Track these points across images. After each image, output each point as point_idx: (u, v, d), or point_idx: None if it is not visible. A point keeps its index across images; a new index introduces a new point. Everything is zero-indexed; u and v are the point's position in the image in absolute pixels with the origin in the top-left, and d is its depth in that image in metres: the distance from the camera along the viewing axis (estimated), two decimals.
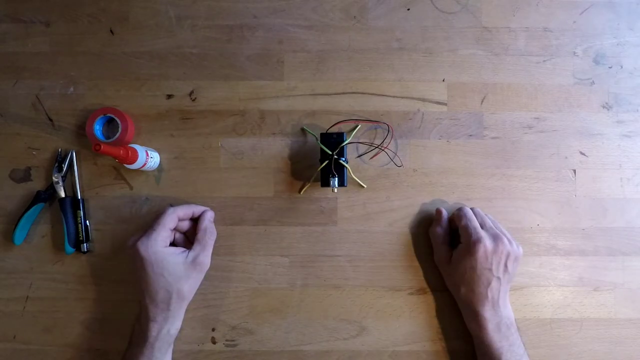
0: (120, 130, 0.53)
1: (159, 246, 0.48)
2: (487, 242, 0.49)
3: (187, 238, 0.53)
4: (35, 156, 0.55)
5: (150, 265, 0.47)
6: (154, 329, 0.48)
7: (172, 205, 0.54)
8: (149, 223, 0.50)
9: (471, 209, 0.53)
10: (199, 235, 0.51)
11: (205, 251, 0.50)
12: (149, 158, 0.52)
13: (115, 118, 0.53)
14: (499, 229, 0.52)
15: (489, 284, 0.49)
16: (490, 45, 0.57)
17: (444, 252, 0.53)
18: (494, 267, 0.49)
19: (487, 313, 0.49)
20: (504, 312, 0.50)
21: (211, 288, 0.55)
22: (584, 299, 0.55)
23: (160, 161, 0.55)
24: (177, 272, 0.48)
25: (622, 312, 0.55)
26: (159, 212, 0.51)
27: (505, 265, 0.49)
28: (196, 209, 0.53)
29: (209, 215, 0.53)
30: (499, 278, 0.49)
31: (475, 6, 0.57)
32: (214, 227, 0.53)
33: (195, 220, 0.53)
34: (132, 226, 0.55)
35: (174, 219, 0.50)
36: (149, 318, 0.48)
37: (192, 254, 0.50)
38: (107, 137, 0.54)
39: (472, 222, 0.51)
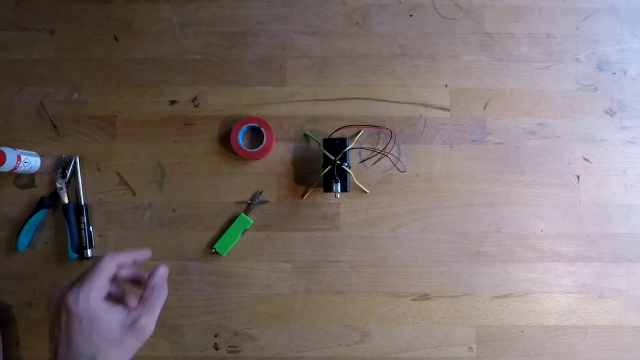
0: (265, 140, 0.53)
1: (92, 300, 0.38)
2: None
3: (124, 293, 0.43)
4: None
5: (79, 322, 0.38)
6: None
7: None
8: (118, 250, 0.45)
9: None
10: (146, 293, 0.41)
11: (149, 315, 0.40)
12: (21, 162, 0.51)
13: (261, 128, 0.53)
14: None
15: None
16: (493, 51, 0.57)
17: None
18: None
19: None
20: None
21: (213, 294, 0.55)
22: (588, 306, 0.55)
23: (40, 164, 0.54)
24: (109, 335, 0.38)
25: (627, 319, 0.54)
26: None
27: None
28: (139, 256, 0.43)
29: (162, 272, 0.43)
30: None
31: (477, 12, 0.57)
32: (166, 286, 0.43)
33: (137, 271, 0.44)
34: (135, 232, 0.55)
35: (112, 266, 0.41)
36: None
37: (132, 315, 0.40)
38: (250, 147, 0.54)
39: None
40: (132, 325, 0.39)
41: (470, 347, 0.54)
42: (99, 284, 0.39)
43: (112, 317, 0.39)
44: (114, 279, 0.42)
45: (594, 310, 0.55)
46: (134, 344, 0.40)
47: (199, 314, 0.54)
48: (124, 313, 0.40)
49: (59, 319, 0.39)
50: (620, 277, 0.55)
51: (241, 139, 0.54)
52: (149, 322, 0.40)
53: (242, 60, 0.57)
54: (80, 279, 0.39)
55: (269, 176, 0.56)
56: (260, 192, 0.55)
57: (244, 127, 0.53)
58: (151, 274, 0.42)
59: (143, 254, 0.44)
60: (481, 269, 0.55)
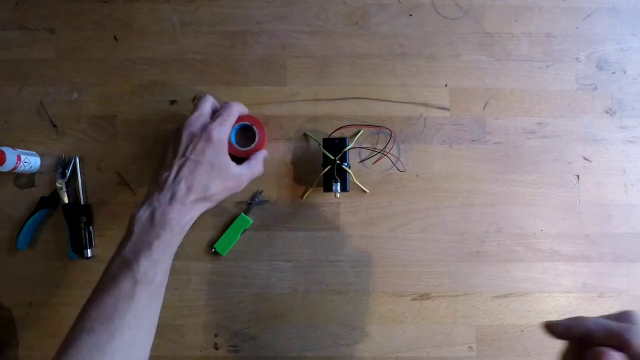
0: (257, 138, 0.53)
1: (226, 137, 0.48)
2: None
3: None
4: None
5: (213, 148, 0.46)
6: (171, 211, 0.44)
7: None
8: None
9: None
10: (252, 161, 0.51)
11: (249, 176, 0.50)
12: (20, 162, 0.51)
13: (252, 126, 0.53)
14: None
15: None
16: (493, 51, 0.57)
17: None
18: None
19: None
20: None
21: (213, 294, 0.55)
22: (588, 306, 0.55)
23: (40, 164, 0.55)
24: (225, 164, 0.47)
25: None
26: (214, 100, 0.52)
27: None
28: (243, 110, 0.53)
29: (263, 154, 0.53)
30: None
31: (477, 12, 0.57)
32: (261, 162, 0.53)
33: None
34: None
35: (238, 113, 0.51)
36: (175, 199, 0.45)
37: (240, 167, 0.49)
38: (242, 145, 0.53)
39: None
40: (236, 177, 0.49)
41: (470, 347, 0.54)
42: (231, 125, 0.49)
43: (228, 158, 0.48)
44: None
45: (594, 309, 0.55)
46: (231, 188, 0.49)
47: (199, 314, 0.54)
48: (233, 162, 0.49)
49: (192, 142, 0.46)
50: (620, 277, 0.55)
51: (234, 137, 0.53)
52: (245, 182, 0.50)
53: (242, 59, 0.57)
54: (217, 117, 0.48)
55: (268, 176, 0.56)
56: (260, 192, 0.55)
57: (236, 126, 0.52)
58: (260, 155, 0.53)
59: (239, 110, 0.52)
60: (481, 268, 0.55)
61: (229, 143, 0.50)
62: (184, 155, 0.46)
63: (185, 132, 0.47)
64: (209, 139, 0.46)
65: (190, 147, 0.46)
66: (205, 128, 0.47)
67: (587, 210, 0.56)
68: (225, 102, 0.50)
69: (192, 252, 0.55)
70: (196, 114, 0.48)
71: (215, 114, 0.50)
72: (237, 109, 0.50)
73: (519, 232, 0.55)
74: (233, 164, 0.48)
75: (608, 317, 0.32)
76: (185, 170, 0.45)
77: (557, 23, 0.57)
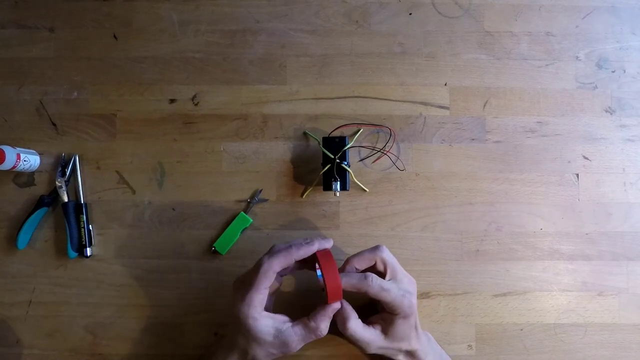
0: (325, 286, 0.45)
1: (252, 312, 0.43)
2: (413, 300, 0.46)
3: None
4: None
5: (245, 333, 0.43)
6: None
7: (275, 248, 0.45)
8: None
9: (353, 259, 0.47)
10: (311, 324, 0.44)
11: (303, 341, 0.44)
12: (20, 161, 0.51)
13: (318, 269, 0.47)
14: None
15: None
16: (493, 50, 0.57)
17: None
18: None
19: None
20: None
21: (213, 292, 0.55)
22: (588, 304, 0.55)
23: (39, 163, 0.55)
24: (261, 342, 0.43)
25: (627, 317, 0.55)
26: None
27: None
28: (302, 253, 0.44)
29: (334, 307, 0.45)
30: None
31: (477, 11, 0.57)
32: (327, 323, 0.45)
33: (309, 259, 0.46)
34: (135, 231, 0.55)
35: (270, 276, 0.43)
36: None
37: (287, 333, 0.44)
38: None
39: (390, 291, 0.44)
40: (281, 342, 0.43)
41: (469, 345, 0.54)
42: (258, 297, 0.43)
43: (265, 329, 0.43)
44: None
45: (594, 308, 0.55)
46: (275, 354, 0.44)
47: (198, 312, 0.54)
48: (279, 322, 0.44)
49: (235, 327, 0.45)
50: (619, 275, 0.55)
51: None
52: (296, 346, 0.44)
53: (242, 58, 0.57)
54: (246, 288, 0.43)
55: (268, 175, 0.56)
56: (260, 191, 0.55)
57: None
58: (328, 313, 0.45)
59: (306, 249, 0.44)
60: (481, 267, 0.55)
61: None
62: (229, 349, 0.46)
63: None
64: (238, 321, 0.44)
65: (235, 343, 0.45)
66: (234, 310, 0.44)
67: (586, 208, 0.56)
68: (258, 262, 0.44)
69: (192, 250, 0.55)
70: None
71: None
72: (263, 275, 0.43)
73: (518, 231, 0.55)
74: (270, 325, 0.43)
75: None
76: None
77: (557, 22, 0.57)
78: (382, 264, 0.47)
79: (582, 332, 0.54)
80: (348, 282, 0.44)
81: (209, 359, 0.48)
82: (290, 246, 0.44)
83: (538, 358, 0.54)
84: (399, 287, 0.45)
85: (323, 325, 0.44)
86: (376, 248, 0.47)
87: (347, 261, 0.47)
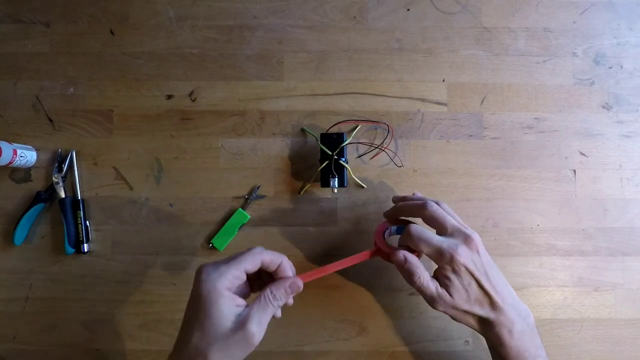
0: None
1: (220, 284, 0.37)
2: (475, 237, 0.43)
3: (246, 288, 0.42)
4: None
5: (198, 300, 0.37)
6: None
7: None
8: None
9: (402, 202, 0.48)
10: (265, 294, 0.39)
11: (260, 319, 0.37)
12: (17, 157, 0.51)
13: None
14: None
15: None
16: (490, 46, 0.57)
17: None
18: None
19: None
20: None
21: None
22: (584, 299, 0.55)
23: (36, 159, 0.54)
24: (218, 328, 0.36)
25: (623, 313, 0.55)
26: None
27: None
28: (285, 263, 0.41)
29: (292, 283, 0.40)
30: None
31: (475, 6, 0.57)
32: (289, 297, 0.40)
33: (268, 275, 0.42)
34: (132, 227, 0.55)
35: (257, 261, 0.39)
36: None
37: (243, 314, 0.37)
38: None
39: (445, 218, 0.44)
40: (240, 326, 0.36)
41: (466, 341, 0.54)
42: (234, 272, 0.37)
43: (228, 309, 0.36)
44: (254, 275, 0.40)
45: (590, 303, 0.55)
46: (236, 349, 0.36)
47: None
48: (238, 310, 0.37)
49: (194, 291, 0.37)
50: (615, 271, 0.55)
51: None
52: (256, 328, 0.36)
53: (239, 54, 0.57)
54: (222, 260, 0.39)
55: (266, 171, 0.56)
56: (258, 187, 0.55)
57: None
58: (282, 278, 0.40)
59: (289, 268, 0.41)
60: None
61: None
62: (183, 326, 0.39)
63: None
64: (197, 291, 0.38)
65: (189, 314, 0.39)
66: (197, 276, 0.38)
67: (583, 204, 0.56)
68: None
69: (190, 247, 0.55)
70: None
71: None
72: (252, 256, 0.39)
73: (515, 227, 0.56)
74: (232, 311, 0.37)
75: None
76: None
77: (554, 18, 0.57)
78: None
79: (578, 327, 0.55)
80: (405, 205, 0.46)
81: None
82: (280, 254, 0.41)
83: None
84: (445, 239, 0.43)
85: (279, 293, 0.39)
86: (427, 203, 0.45)
87: (395, 201, 0.49)
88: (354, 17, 0.57)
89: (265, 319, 0.38)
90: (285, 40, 0.57)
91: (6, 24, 0.56)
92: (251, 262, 0.39)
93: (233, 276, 0.38)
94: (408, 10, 0.57)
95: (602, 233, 0.56)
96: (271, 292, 0.39)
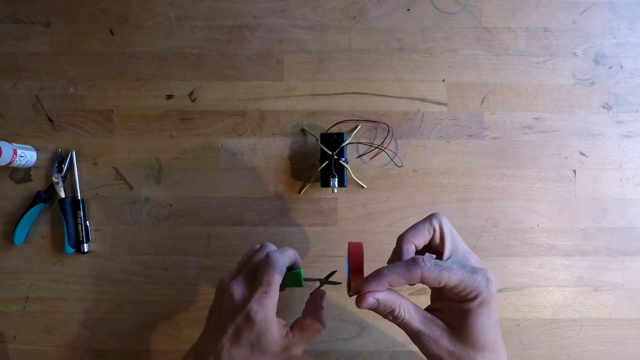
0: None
1: (271, 312, 0.38)
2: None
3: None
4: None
5: (251, 330, 0.38)
6: None
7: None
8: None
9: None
10: (306, 322, 0.40)
11: (303, 345, 0.40)
12: (17, 157, 0.51)
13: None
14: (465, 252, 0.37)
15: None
16: (491, 46, 0.57)
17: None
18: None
19: None
20: None
21: (211, 289, 0.55)
22: (584, 299, 0.55)
23: (36, 159, 0.54)
24: (267, 350, 0.38)
25: (623, 312, 0.55)
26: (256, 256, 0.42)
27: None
28: (297, 259, 0.43)
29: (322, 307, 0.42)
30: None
31: (475, 6, 0.57)
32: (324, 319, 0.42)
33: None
34: (132, 227, 0.55)
35: (283, 273, 0.40)
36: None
37: (289, 339, 0.39)
38: None
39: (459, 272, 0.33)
40: (284, 350, 0.39)
41: None
42: (275, 298, 0.39)
43: (275, 333, 0.38)
44: None
45: (590, 303, 0.55)
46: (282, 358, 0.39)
47: (197, 308, 0.54)
48: (282, 332, 0.39)
49: (233, 318, 0.38)
50: (615, 271, 0.55)
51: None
52: (299, 351, 0.39)
53: (239, 54, 0.57)
54: (257, 286, 0.38)
55: (266, 171, 0.56)
56: (334, 272, 0.46)
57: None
58: (315, 304, 0.41)
59: (299, 262, 0.43)
60: None
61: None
62: (221, 338, 0.38)
63: (225, 306, 0.39)
64: (248, 320, 0.38)
65: (230, 331, 0.38)
66: (244, 304, 0.38)
67: (583, 204, 0.56)
68: (266, 256, 0.40)
69: (190, 246, 0.55)
70: (232, 277, 0.41)
71: (259, 270, 0.40)
72: (279, 269, 0.39)
73: (515, 227, 0.56)
74: (279, 335, 0.39)
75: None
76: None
77: (554, 17, 0.57)
78: (438, 236, 0.36)
79: (578, 327, 0.55)
80: (391, 274, 0.33)
81: None
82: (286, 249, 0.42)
83: (534, 353, 0.54)
84: (463, 263, 0.34)
85: (318, 317, 0.40)
86: (431, 216, 0.37)
87: (400, 239, 0.37)
88: (354, 17, 0.57)
89: (309, 343, 0.40)
90: (285, 40, 0.57)
91: (6, 23, 0.56)
92: (280, 278, 0.40)
93: (275, 303, 0.39)
94: (408, 10, 0.57)
95: (602, 233, 0.56)
96: (310, 319, 0.40)
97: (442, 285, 0.33)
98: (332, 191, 0.53)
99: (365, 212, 0.56)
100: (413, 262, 0.33)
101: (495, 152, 0.56)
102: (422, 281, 0.33)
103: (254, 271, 0.41)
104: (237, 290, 0.39)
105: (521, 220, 0.56)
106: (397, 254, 0.37)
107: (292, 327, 0.41)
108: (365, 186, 0.56)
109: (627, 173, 0.56)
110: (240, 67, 0.56)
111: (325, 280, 0.45)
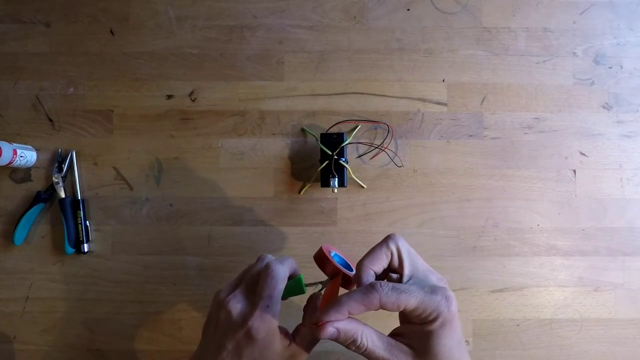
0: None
1: (273, 327, 0.36)
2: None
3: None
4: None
5: (253, 347, 0.36)
6: None
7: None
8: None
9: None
10: (307, 329, 0.39)
11: (307, 351, 0.38)
12: (16, 157, 0.51)
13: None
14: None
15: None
16: (491, 46, 0.57)
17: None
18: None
19: None
20: None
21: (211, 289, 0.55)
22: (584, 299, 0.55)
23: (36, 159, 0.54)
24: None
25: (623, 312, 0.55)
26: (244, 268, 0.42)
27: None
28: (296, 267, 0.41)
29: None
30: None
31: (475, 6, 0.57)
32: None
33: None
34: (132, 227, 0.55)
35: (284, 283, 0.39)
36: None
37: (292, 349, 0.38)
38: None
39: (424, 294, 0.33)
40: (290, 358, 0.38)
41: (467, 341, 0.54)
42: (278, 309, 0.37)
43: (278, 346, 0.37)
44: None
45: (590, 303, 0.55)
46: None
47: (196, 309, 0.55)
48: (285, 343, 0.38)
49: (233, 335, 0.36)
50: (615, 271, 0.55)
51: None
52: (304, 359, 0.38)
53: (239, 54, 0.57)
54: (259, 301, 0.36)
55: (266, 171, 0.56)
56: (335, 274, 0.43)
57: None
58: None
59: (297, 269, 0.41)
60: (478, 263, 0.55)
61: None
62: (219, 353, 0.37)
63: (222, 323, 0.37)
64: (249, 337, 0.36)
65: (229, 347, 0.36)
66: (244, 322, 0.36)
67: (583, 204, 0.56)
68: (266, 267, 0.38)
69: (190, 246, 0.55)
70: (229, 290, 0.39)
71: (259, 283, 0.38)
72: (281, 280, 0.38)
73: (515, 227, 0.56)
74: (282, 347, 0.37)
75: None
76: None
77: (554, 18, 0.57)
78: (396, 258, 0.36)
79: (578, 327, 0.55)
80: (350, 301, 0.32)
81: None
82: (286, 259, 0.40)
83: (534, 353, 0.54)
84: (424, 283, 0.34)
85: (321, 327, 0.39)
86: (387, 238, 0.37)
87: (358, 266, 0.37)
88: (354, 17, 0.57)
89: (309, 351, 0.39)
90: (285, 40, 0.57)
91: (6, 23, 0.56)
92: (282, 287, 0.38)
93: (277, 314, 0.37)
94: (408, 10, 0.57)
95: (602, 233, 0.56)
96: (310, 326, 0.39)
97: (401, 308, 0.32)
98: (332, 191, 0.53)
99: (365, 212, 0.56)
100: (370, 287, 0.32)
101: (495, 152, 0.56)
102: (381, 306, 0.32)
103: (253, 283, 0.39)
104: (236, 306, 0.37)
105: (521, 220, 0.56)
106: (357, 282, 0.36)
107: (294, 334, 0.39)
108: (365, 186, 0.56)
109: (627, 173, 0.56)
110: (240, 67, 0.56)
111: (327, 283, 0.45)
